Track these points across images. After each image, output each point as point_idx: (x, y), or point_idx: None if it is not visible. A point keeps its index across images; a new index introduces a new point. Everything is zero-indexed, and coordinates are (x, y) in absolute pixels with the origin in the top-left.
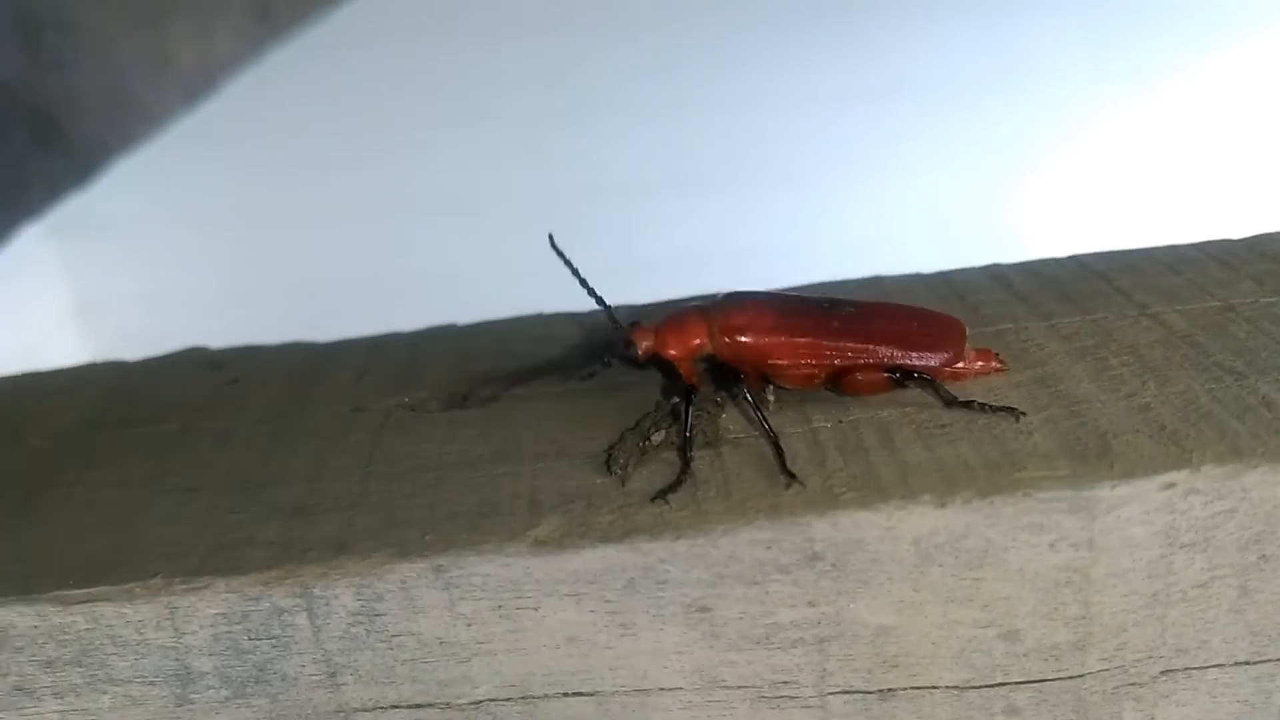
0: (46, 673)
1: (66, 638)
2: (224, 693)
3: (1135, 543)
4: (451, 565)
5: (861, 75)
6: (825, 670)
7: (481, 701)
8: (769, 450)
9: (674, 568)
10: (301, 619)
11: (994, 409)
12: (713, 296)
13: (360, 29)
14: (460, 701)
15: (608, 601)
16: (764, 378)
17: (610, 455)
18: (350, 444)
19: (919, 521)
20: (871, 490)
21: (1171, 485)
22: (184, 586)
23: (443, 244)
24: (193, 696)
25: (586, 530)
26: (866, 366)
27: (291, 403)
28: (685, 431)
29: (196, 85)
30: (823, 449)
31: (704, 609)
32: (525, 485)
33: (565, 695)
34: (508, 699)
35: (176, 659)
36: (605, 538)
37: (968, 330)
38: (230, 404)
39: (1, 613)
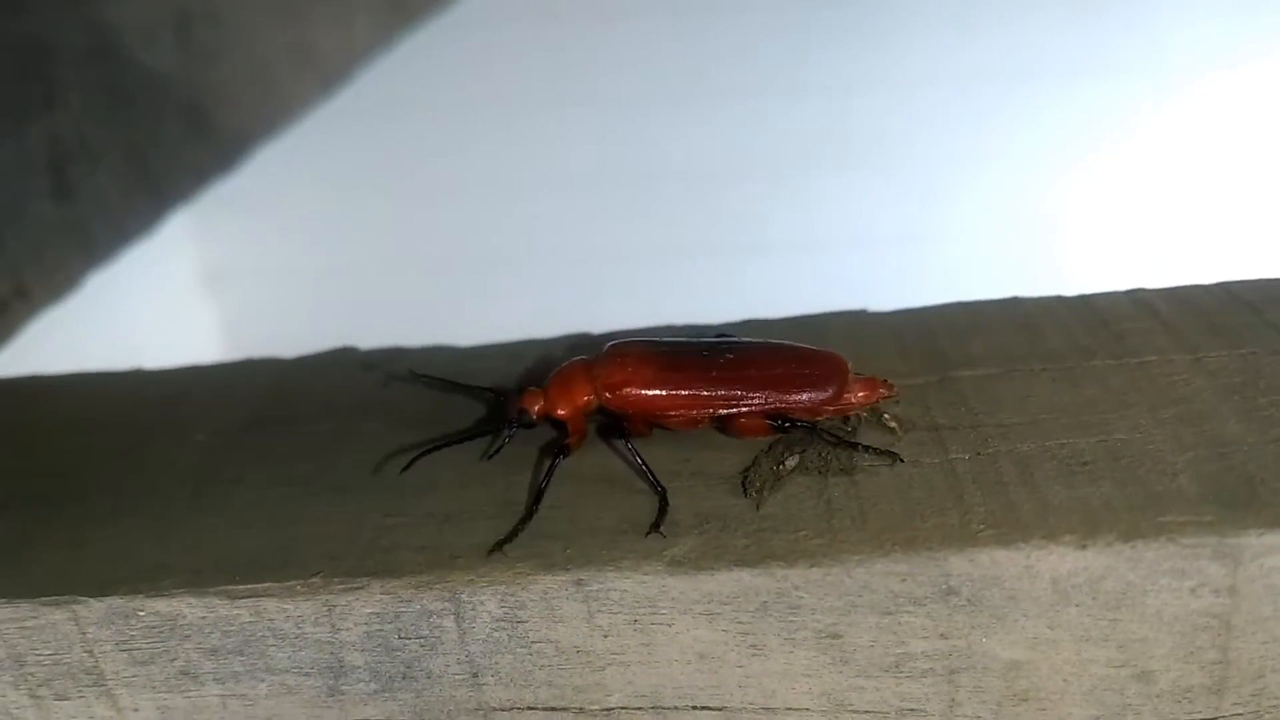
0: (210, 660)
1: (231, 629)
2: (373, 686)
3: (1278, 590)
4: (591, 580)
5: (977, 57)
6: (954, 700)
7: (613, 709)
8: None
9: (807, 594)
10: (449, 621)
11: (877, 451)
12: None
13: (482, 15)
14: (593, 707)
15: (740, 623)
16: (651, 424)
17: (746, 478)
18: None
19: (1059, 562)
20: (1011, 528)
21: None
22: (342, 586)
23: (560, 223)
24: (344, 688)
25: (722, 553)
26: (748, 411)
27: (438, 408)
28: (542, 484)
29: (334, 74)
30: (960, 482)
31: (835, 635)
32: None
33: (694, 708)
34: (639, 708)
35: (331, 653)
36: (740, 561)
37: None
38: (381, 407)
39: (173, 603)
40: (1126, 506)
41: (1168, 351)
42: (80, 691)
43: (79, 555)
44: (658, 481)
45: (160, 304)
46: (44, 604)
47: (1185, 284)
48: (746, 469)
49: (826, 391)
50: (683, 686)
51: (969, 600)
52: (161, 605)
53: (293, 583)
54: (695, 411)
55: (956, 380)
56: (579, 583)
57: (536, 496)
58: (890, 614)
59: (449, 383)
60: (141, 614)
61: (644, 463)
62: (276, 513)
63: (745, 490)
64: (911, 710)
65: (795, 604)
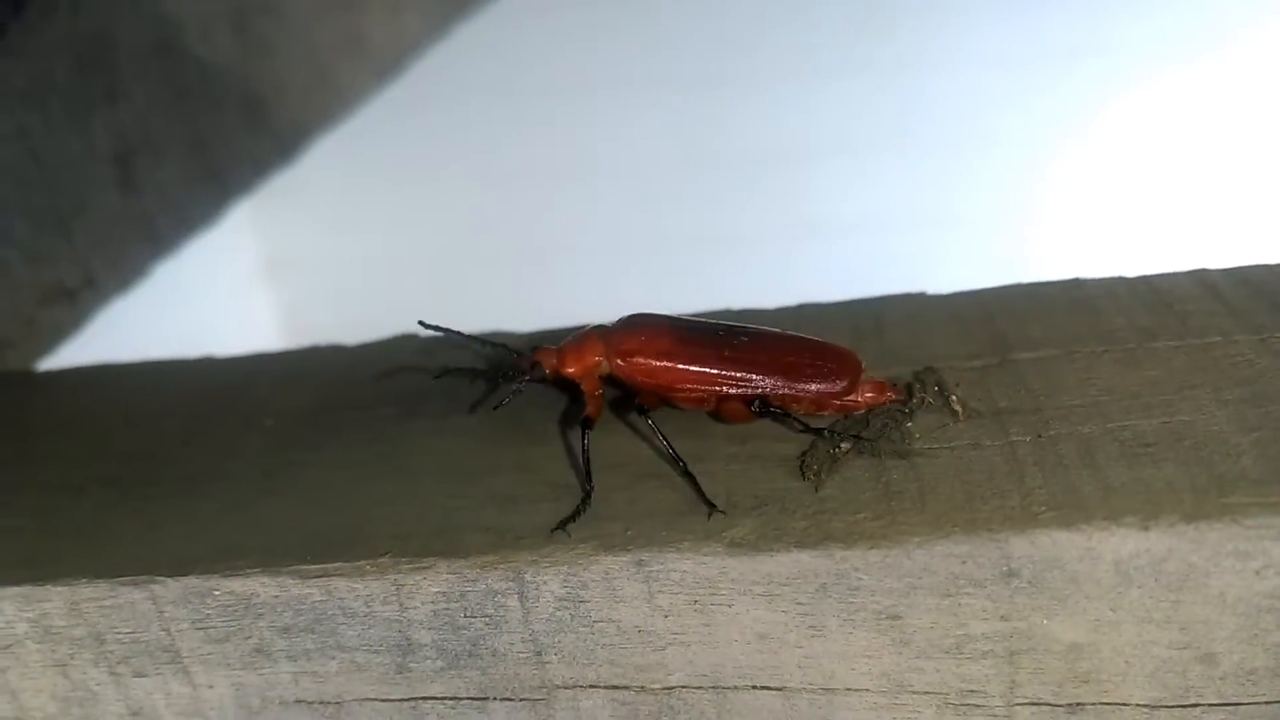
0: (283, 638)
1: (303, 607)
2: (440, 663)
3: None
4: (651, 560)
5: (1036, 34)
6: (1014, 681)
7: (674, 688)
8: (685, 482)
9: (866, 576)
10: (513, 601)
11: (841, 435)
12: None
13: (534, 1)
14: (654, 686)
15: (799, 604)
16: (659, 399)
17: (803, 461)
18: (553, 434)
19: (1120, 543)
20: (1073, 510)
21: None
22: (410, 566)
23: (617, 208)
24: (411, 665)
25: (781, 534)
26: (752, 395)
27: (498, 393)
28: (584, 459)
29: (388, 64)
30: (1021, 464)
31: (894, 616)
32: (720, 486)
33: (754, 688)
34: (699, 687)
35: (399, 631)
36: (799, 543)
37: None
38: (443, 393)
39: (248, 583)
40: (1190, 488)
41: (1232, 332)
42: (158, 669)
43: (155, 536)
44: (680, 458)
45: (223, 291)
46: (123, 584)
47: (1249, 264)
48: (804, 452)
49: (836, 385)
50: (743, 666)
51: (1030, 582)
52: (236, 585)
53: (362, 562)
54: (704, 389)
55: (1017, 362)
56: (639, 563)
57: (586, 473)
58: (950, 596)
59: (462, 334)
60: (217, 593)
61: (665, 439)
62: (345, 494)
63: (803, 473)
64: (972, 691)
65: (854, 585)
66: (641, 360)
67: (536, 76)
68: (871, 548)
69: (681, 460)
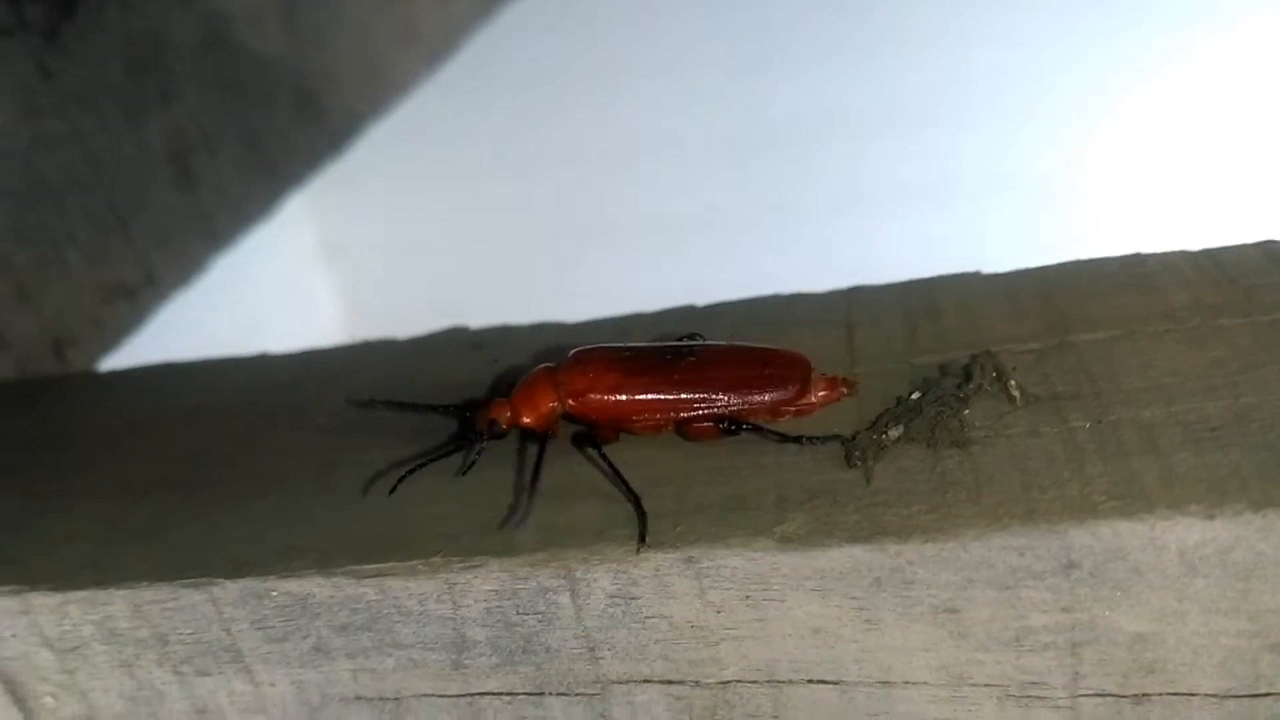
0: (341, 636)
1: (359, 607)
2: (494, 660)
3: None
4: (701, 557)
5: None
6: (1078, 673)
7: (729, 682)
8: (634, 511)
9: (922, 570)
10: (565, 598)
11: (822, 440)
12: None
13: None
14: (709, 681)
15: (853, 598)
16: (617, 430)
17: (848, 450)
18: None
19: (1184, 533)
20: (1134, 499)
21: None
22: (461, 565)
23: (667, 188)
24: (466, 662)
25: (833, 529)
26: (708, 414)
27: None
28: (534, 474)
29: (437, 51)
30: (1080, 451)
31: (952, 610)
32: (770, 479)
33: (810, 682)
34: (754, 681)
35: (454, 629)
36: (852, 537)
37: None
38: (491, 386)
39: (304, 583)
40: (1257, 474)
41: None
42: (220, 668)
43: (213, 538)
44: (631, 489)
45: (281, 281)
46: (183, 586)
47: None
48: (845, 442)
49: (788, 391)
50: (798, 661)
51: (1091, 573)
52: (293, 585)
53: (414, 562)
54: (659, 415)
55: (1075, 344)
56: (689, 560)
57: (532, 483)
58: (1009, 588)
59: (416, 405)
60: (274, 594)
61: (615, 470)
62: (398, 493)
63: (849, 461)
64: (1033, 684)
65: (910, 579)
66: (594, 396)
67: (582, 59)
68: (926, 541)
69: (633, 491)
